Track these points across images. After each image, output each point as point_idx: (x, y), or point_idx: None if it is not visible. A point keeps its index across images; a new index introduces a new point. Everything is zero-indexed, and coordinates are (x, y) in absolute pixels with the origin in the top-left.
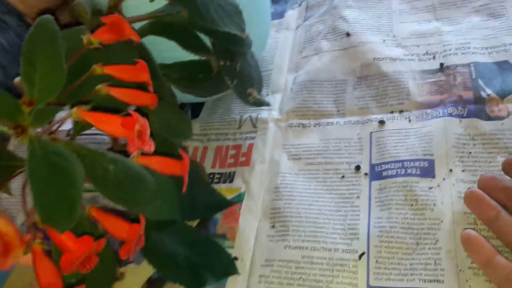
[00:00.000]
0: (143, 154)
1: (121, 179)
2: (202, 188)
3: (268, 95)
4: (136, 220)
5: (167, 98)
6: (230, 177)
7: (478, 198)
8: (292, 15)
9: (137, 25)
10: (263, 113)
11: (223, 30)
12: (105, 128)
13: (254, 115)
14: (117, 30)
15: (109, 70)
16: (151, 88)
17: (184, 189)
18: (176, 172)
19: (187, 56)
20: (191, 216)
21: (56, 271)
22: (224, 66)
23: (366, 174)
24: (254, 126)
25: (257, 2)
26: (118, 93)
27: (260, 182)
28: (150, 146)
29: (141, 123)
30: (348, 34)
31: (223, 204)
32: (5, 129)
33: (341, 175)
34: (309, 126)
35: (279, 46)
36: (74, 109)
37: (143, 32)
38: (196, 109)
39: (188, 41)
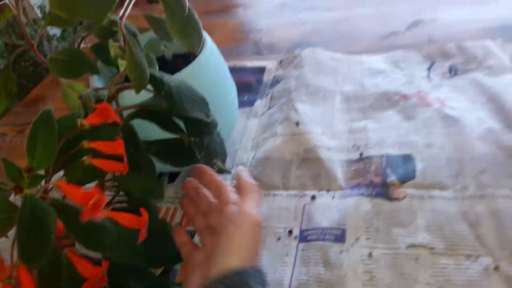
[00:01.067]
0: (113, 209)
1: (89, 228)
2: (167, 242)
3: (233, 167)
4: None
5: (146, 167)
6: (191, 234)
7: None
8: (260, 104)
9: (129, 111)
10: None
11: (192, 115)
12: (72, 197)
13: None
14: (104, 114)
15: (94, 145)
16: (125, 159)
17: (140, 240)
18: (136, 226)
19: (165, 135)
20: (155, 263)
21: None
22: (194, 141)
23: (295, 237)
24: None
25: (225, 94)
26: (98, 163)
27: None
28: (100, 214)
29: (98, 198)
30: (297, 123)
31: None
32: (9, 188)
33: (277, 237)
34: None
35: (248, 129)
36: (55, 181)
37: (133, 116)
38: (173, 177)
39: (166, 124)
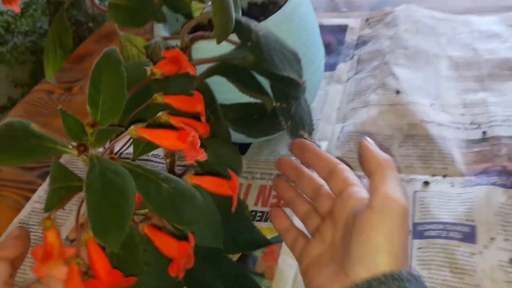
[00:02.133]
0: (196, 174)
1: (172, 197)
2: (244, 223)
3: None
4: (185, 239)
5: (223, 134)
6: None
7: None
8: (343, 68)
9: (204, 66)
10: None
11: (283, 74)
12: (161, 142)
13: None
14: (176, 63)
15: (169, 99)
16: (203, 119)
17: (233, 209)
18: (226, 192)
19: (244, 98)
20: (232, 249)
21: None
22: (280, 107)
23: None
24: None
25: (312, 55)
26: (176, 121)
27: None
28: (204, 155)
29: (193, 135)
30: (398, 92)
31: (262, 242)
32: (71, 150)
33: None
34: None
35: (329, 97)
36: (132, 127)
37: (209, 72)
38: (242, 148)
39: (249, 83)
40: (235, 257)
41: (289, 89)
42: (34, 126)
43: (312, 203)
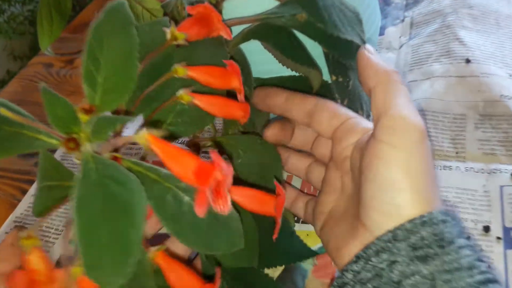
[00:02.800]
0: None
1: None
2: (285, 229)
3: None
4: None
5: (260, 122)
6: None
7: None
8: (393, 32)
9: (239, 28)
10: None
11: (344, 37)
12: (173, 167)
13: None
14: (205, 24)
15: (194, 72)
16: (241, 96)
17: (276, 233)
18: (270, 212)
19: (282, 71)
20: (269, 263)
21: None
22: (336, 82)
23: (498, 238)
24: None
25: (369, 17)
26: (204, 102)
27: None
28: (226, 203)
29: (223, 173)
30: (468, 61)
31: (304, 252)
32: (55, 142)
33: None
34: None
35: None
36: (143, 132)
37: (245, 37)
38: None
39: (293, 52)
40: (274, 272)
41: (347, 58)
42: (3, 111)
43: (310, 156)
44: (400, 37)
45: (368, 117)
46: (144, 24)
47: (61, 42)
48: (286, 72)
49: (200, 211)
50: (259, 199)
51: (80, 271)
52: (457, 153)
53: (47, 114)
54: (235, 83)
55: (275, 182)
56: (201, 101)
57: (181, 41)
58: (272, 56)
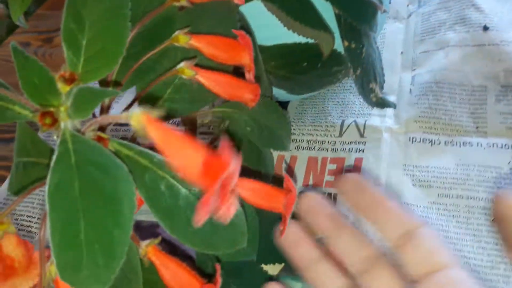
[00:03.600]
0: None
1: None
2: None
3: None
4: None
5: (264, 91)
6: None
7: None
8: (400, 0)
9: None
10: (374, 119)
11: None
12: (174, 159)
13: (360, 120)
14: None
15: (198, 41)
16: (251, 75)
17: (283, 232)
18: (278, 208)
19: (287, 36)
20: (268, 259)
21: None
22: (349, 48)
23: None
24: (362, 135)
25: None
26: (209, 79)
27: None
28: (231, 206)
29: (231, 171)
30: (485, 28)
31: None
32: (29, 114)
33: (492, 217)
34: (438, 144)
35: (388, 39)
36: (136, 111)
37: None
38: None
39: (301, 14)
40: (274, 269)
41: (362, 21)
42: None
43: (353, 279)
44: (408, 5)
45: (381, 88)
46: None
47: (39, 20)
48: (292, 37)
49: (201, 217)
50: (267, 193)
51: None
52: (477, 128)
53: (19, 80)
54: (245, 59)
55: (285, 175)
56: (205, 78)
57: (184, 2)
58: (277, 19)
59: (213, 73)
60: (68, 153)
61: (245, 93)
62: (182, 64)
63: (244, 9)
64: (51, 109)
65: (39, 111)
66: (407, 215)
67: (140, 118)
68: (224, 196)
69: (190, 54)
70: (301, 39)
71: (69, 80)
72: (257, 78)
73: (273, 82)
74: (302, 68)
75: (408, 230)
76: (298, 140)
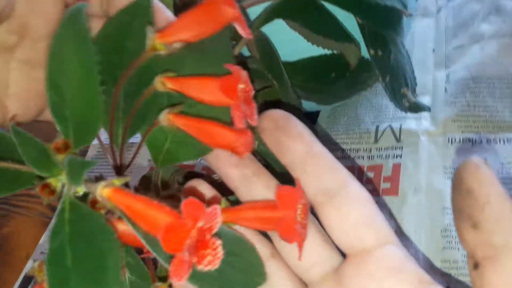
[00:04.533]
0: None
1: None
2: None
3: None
4: None
5: (292, 107)
6: None
7: None
8: None
9: (259, 8)
10: (409, 122)
11: (384, 3)
12: (141, 225)
13: (395, 125)
14: (209, 16)
15: (178, 85)
16: (238, 122)
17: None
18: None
19: (311, 49)
20: None
21: None
22: (376, 56)
23: None
24: (398, 140)
25: None
26: (189, 127)
27: (417, 220)
28: (215, 256)
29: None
30: None
31: None
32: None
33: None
34: (480, 143)
35: (417, 37)
36: (99, 186)
37: (267, 17)
38: (308, 117)
39: (324, 27)
40: None
41: (387, 28)
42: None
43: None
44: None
45: (413, 92)
46: (122, 13)
47: None
48: (318, 50)
49: (176, 279)
50: (267, 218)
51: None
52: None
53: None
54: (232, 98)
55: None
56: (184, 126)
57: (163, 51)
58: (299, 34)
59: (193, 120)
60: (64, 223)
61: (232, 142)
62: (164, 114)
63: (266, 28)
64: (51, 179)
65: (39, 184)
66: (336, 170)
67: (102, 193)
68: (204, 248)
69: (179, 99)
70: (327, 51)
71: (63, 149)
72: (284, 92)
73: (302, 96)
74: (330, 79)
75: (332, 188)
76: (331, 150)
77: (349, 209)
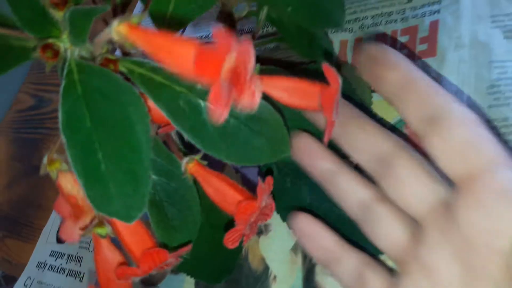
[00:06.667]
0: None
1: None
2: None
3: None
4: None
5: None
6: None
7: None
8: None
9: None
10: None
11: None
12: (166, 60)
13: None
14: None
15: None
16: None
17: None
18: (312, 107)
19: None
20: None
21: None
22: None
23: None
24: None
25: None
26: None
27: (460, 79)
28: (253, 95)
29: (238, 56)
30: None
31: None
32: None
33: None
34: None
35: None
36: (114, 23)
37: None
38: None
39: None
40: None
41: None
42: None
43: (376, 188)
44: None
45: None
46: None
47: None
48: None
49: (218, 114)
50: (302, 91)
51: None
52: None
53: (14, 16)
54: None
55: (324, 66)
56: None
57: None
58: None
59: None
60: (74, 84)
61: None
62: None
63: None
64: (51, 40)
65: (39, 46)
66: (437, 94)
67: (119, 30)
68: (242, 85)
69: None
70: None
71: (61, 4)
72: None
73: None
74: None
75: (434, 114)
76: (361, 18)
77: (453, 134)
